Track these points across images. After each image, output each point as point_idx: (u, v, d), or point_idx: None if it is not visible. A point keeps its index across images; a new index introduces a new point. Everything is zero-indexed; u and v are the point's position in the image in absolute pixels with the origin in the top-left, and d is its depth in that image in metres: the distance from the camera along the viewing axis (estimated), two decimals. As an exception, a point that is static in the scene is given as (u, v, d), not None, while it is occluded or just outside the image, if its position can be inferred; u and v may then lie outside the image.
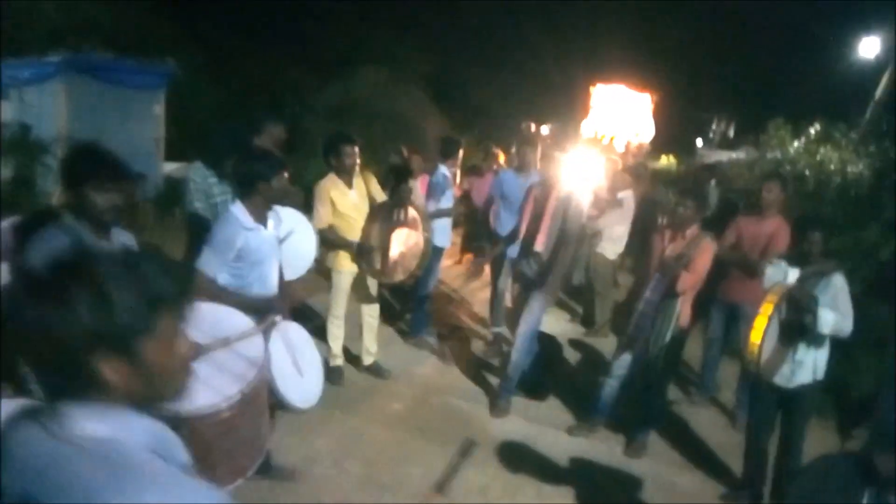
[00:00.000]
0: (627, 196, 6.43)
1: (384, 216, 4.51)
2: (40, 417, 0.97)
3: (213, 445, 2.24)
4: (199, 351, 2.26)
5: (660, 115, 18.99)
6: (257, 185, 2.98)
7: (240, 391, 2.28)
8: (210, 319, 2.52)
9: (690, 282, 4.01)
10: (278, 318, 2.95)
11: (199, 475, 2.25)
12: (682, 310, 4.16)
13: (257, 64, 15.00)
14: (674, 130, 22.66)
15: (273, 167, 3.03)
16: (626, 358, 4.32)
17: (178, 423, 2.02)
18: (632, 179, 6.60)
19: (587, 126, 15.82)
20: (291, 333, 3.09)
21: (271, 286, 3.17)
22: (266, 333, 2.74)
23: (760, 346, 3.39)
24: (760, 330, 3.39)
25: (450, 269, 8.21)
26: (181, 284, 1.10)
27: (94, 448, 0.93)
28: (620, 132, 15.18)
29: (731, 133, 27.35)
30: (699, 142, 28.91)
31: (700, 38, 22.23)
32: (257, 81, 14.48)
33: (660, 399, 4.46)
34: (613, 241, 6.37)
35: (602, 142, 13.20)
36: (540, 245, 4.40)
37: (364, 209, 4.54)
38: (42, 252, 2.22)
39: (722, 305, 4.98)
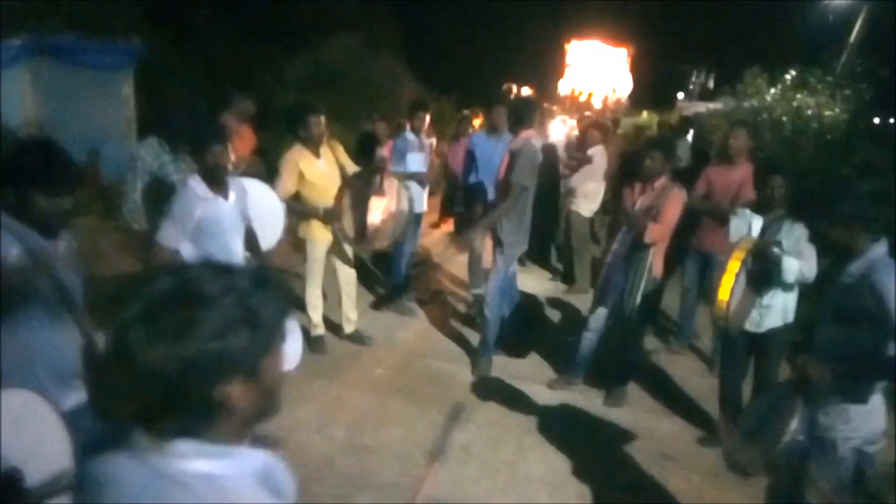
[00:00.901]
0: (598, 151, 6.44)
1: (359, 184, 4.52)
2: (140, 453, 0.93)
3: None
4: None
5: (638, 70, 18.89)
6: (207, 155, 2.97)
7: None
8: None
9: (659, 233, 4.05)
10: None
11: None
12: (655, 261, 4.22)
13: (227, 38, 14.74)
14: (653, 85, 22.55)
15: (219, 136, 3.02)
16: (602, 312, 4.39)
17: None
18: (601, 135, 6.59)
19: (564, 83, 15.74)
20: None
21: (235, 257, 3.18)
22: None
23: (728, 302, 3.45)
24: (728, 287, 3.45)
25: (429, 235, 8.23)
26: (284, 298, 1.07)
27: (201, 486, 0.91)
28: (597, 88, 15.11)
29: (711, 84, 27.28)
30: (680, 95, 28.88)
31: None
32: (228, 56, 14.25)
33: (636, 349, 4.55)
34: (587, 197, 6.41)
35: (579, 98, 13.12)
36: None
37: (334, 177, 4.54)
38: None
39: (696, 255, 5.04)
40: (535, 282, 6.78)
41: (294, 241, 4.79)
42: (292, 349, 3.21)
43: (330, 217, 4.46)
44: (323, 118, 4.42)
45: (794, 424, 2.28)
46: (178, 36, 13.96)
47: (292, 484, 1.07)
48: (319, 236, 4.56)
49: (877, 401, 2.36)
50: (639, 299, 4.22)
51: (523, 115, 4.54)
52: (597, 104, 13.65)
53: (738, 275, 3.43)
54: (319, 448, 3.68)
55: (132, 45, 10.12)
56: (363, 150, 4.93)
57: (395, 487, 3.38)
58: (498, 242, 4.61)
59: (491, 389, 4.50)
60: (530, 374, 4.78)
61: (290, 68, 15.24)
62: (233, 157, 3.17)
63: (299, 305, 4.73)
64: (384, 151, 5.36)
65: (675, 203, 4.12)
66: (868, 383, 2.33)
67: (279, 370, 1.03)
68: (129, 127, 10.23)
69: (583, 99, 13.02)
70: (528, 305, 6.06)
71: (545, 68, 18.62)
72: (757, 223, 3.64)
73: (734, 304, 3.51)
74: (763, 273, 3.54)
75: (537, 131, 6.95)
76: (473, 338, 5.26)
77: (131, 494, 0.91)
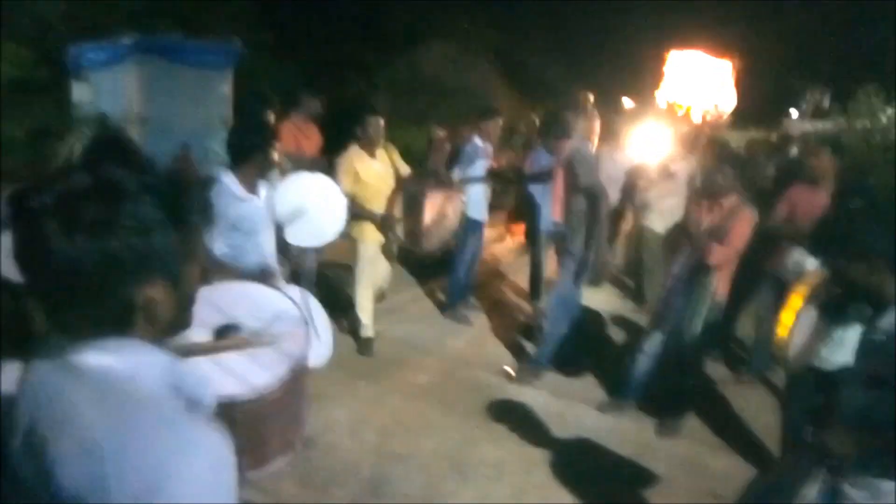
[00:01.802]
0: (681, 167, 6.10)
1: (412, 187, 4.52)
2: (54, 353, 0.91)
3: (254, 430, 2.29)
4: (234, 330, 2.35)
5: (745, 85, 17.92)
6: (250, 156, 3.00)
7: (290, 369, 2.31)
8: (248, 300, 2.56)
9: (724, 254, 3.76)
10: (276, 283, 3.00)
11: (251, 454, 2.33)
12: (719, 284, 3.93)
13: (324, 41, 15.19)
14: (762, 101, 21.34)
15: (266, 138, 3.04)
16: (659, 334, 4.13)
17: (234, 407, 2.12)
18: (685, 150, 6.24)
19: (661, 96, 15.15)
20: (298, 297, 3.12)
21: (267, 254, 3.20)
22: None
23: (789, 338, 3.14)
24: (787, 323, 3.14)
25: (499, 243, 8.11)
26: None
27: (99, 380, 0.87)
28: (697, 102, 14.43)
29: (826, 103, 25.55)
30: (793, 113, 27.21)
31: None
32: (324, 59, 14.68)
33: (694, 377, 4.25)
34: (663, 213, 6.07)
35: (676, 113, 12.57)
36: (556, 213, 4.27)
37: (388, 179, 4.58)
38: None
39: (772, 280, 4.65)
40: (603, 298, 6.50)
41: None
42: (323, 346, 3.21)
43: (387, 225, 4.51)
44: (381, 120, 4.46)
45: (813, 492, 1.97)
46: (279, 37, 14.55)
47: (208, 393, 1.02)
48: (371, 237, 4.58)
49: None
50: (699, 324, 3.94)
51: (553, 129, 4.45)
52: (696, 118, 13.03)
53: (803, 309, 3.11)
54: (347, 451, 3.64)
55: (233, 46, 10.58)
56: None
57: (413, 499, 3.28)
58: (565, 252, 4.45)
59: (535, 407, 4.32)
60: (581, 395, 4.56)
61: (384, 73, 15.53)
62: (275, 157, 3.18)
63: (343, 305, 4.75)
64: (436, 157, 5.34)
65: (743, 224, 3.82)
66: None
67: (197, 279, 1.00)
68: (225, 125, 10.71)
69: (681, 113, 12.44)
70: (590, 323, 5.84)
71: (645, 79, 18.05)
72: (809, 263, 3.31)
73: (799, 338, 3.19)
74: (836, 306, 3.20)
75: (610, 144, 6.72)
76: (529, 350, 5.11)
77: (32, 391, 0.89)
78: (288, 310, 2.54)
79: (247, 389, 2.21)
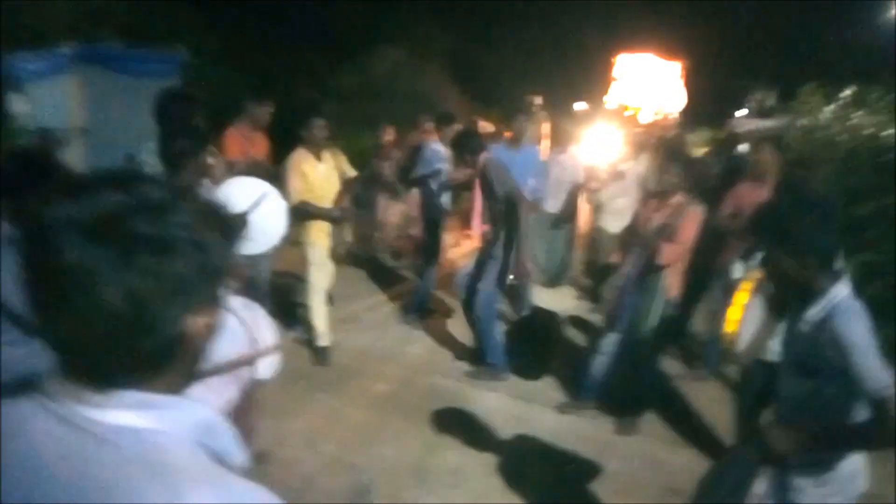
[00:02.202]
0: (630, 168, 6.20)
1: (357, 188, 4.55)
2: (50, 399, 0.79)
3: None
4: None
5: (695, 86, 18.35)
6: (179, 162, 2.92)
7: (241, 390, 2.21)
8: None
9: (674, 253, 3.82)
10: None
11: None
12: (669, 282, 3.99)
13: (273, 47, 15.02)
14: (711, 101, 21.87)
15: (190, 147, 2.96)
16: (614, 334, 4.17)
17: None
18: (634, 151, 6.36)
19: (611, 98, 15.39)
20: (242, 309, 3.04)
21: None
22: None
23: (737, 333, 3.20)
24: (734, 319, 3.19)
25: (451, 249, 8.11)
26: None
27: (129, 442, 0.76)
28: (647, 104, 14.70)
29: (772, 102, 26.38)
30: (739, 113, 27.99)
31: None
32: (273, 65, 14.51)
33: (650, 375, 4.29)
34: (616, 214, 6.16)
35: (624, 114, 12.78)
36: (475, 222, 4.41)
37: (334, 182, 4.59)
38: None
39: (723, 276, 4.75)
40: (559, 298, 6.55)
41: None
42: (272, 357, 3.13)
43: (344, 217, 4.57)
44: (325, 123, 4.47)
45: (762, 488, 1.99)
46: (227, 44, 14.31)
47: (240, 449, 0.92)
48: (319, 240, 4.55)
49: (856, 460, 2.04)
50: (653, 322, 4.00)
51: (467, 146, 4.66)
52: (646, 120, 13.27)
53: (749, 303, 3.18)
54: (306, 464, 3.57)
55: (177, 54, 10.36)
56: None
57: (375, 510, 3.24)
58: (487, 257, 4.59)
59: (494, 411, 4.31)
60: (540, 397, 4.57)
61: (335, 79, 15.43)
62: (209, 162, 3.09)
63: (298, 315, 4.67)
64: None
65: (691, 222, 3.88)
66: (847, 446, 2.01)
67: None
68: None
69: (628, 114, 12.67)
70: (548, 324, 5.87)
71: (597, 82, 18.32)
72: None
73: (747, 332, 3.26)
74: (781, 299, 3.27)
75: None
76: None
77: (33, 449, 0.76)
78: (233, 327, 2.46)
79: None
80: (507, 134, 7.94)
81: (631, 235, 4.00)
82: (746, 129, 14.16)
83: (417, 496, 3.39)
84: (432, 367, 4.95)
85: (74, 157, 9.08)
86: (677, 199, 3.98)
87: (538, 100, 8.85)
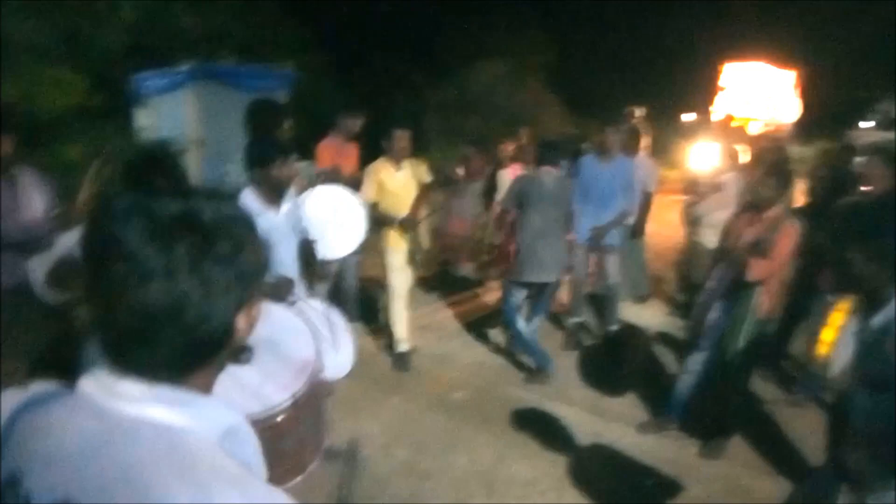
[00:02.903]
0: (730, 179, 5.92)
1: (434, 196, 4.66)
2: (83, 395, 0.82)
3: (270, 449, 2.28)
4: (247, 352, 2.33)
5: (812, 96, 17.32)
6: (261, 169, 3.06)
7: (291, 396, 2.27)
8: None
9: (765, 269, 3.60)
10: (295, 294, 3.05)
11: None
12: (763, 299, 3.77)
13: (377, 63, 15.51)
14: (828, 112, 20.56)
15: (272, 154, 3.09)
16: (700, 352, 3.99)
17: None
18: (734, 163, 6.07)
19: (717, 108, 14.76)
20: (312, 311, 3.16)
21: (285, 268, 3.23)
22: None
23: (830, 356, 2.98)
24: (828, 341, 2.98)
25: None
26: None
27: (153, 436, 0.77)
28: (756, 114, 13.97)
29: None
30: (870, 124, 26.04)
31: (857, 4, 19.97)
32: (376, 79, 14.98)
33: (739, 397, 4.06)
34: (713, 227, 5.87)
35: (731, 124, 12.22)
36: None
37: (411, 189, 4.70)
38: None
39: (824, 297, 4.43)
40: (650, 314, 6.34)
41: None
42: (342, 359, 3.22)
43: (407, 226, 4.59)
44: (407, 134, 4.60)
45: None
46: (335, 60, 14.93)
47: (258, 453, 0.97)
48: (396, 245, 4.67)
49: None
50: (742, 341, 3.79)
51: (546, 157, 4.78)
52: (755, 130, 12.61)
53: (845, 324, 2.95)
54: (378, 466, 3.64)
55: (287, 71, 10.91)
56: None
57: (441, 517, 3.26)
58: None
59: (571, 425, 4.22)
60: (621, 414, 4.43)
61: (435, 92, 15.70)
62: (290, 170, 3.21)
63: (380, 320, 4.77)
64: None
65: (787, 237, 3.65)
66: None
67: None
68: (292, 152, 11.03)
69: (734, 125, 12.09)
70: (634, 340, 5.71)
71: (703, 91, 17.65)
72: None
73: (843, 355, 3.03)
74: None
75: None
76: (572, 370, 5.04)
77: (65, 442, 0.78)
78: (299, 327, 2.55)
79: (260, 406, 2.22)
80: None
81: (721, 249, 3.82)
82: (866, 141, 13.26)
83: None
84: (512, 378, 4.91)
85: (191, 167, 9.79)
86: (773, 212, 3.77)
87: (639, 110, 8.64)
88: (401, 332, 4.77)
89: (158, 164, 2.68)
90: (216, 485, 0.76)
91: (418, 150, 13.16)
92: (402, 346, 4.79)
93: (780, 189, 3.80)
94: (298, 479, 2.31)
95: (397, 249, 4.69)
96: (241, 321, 0.85)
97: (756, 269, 3.59)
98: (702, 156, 7.93)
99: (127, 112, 10.43)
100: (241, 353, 2.37)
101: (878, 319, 1.88)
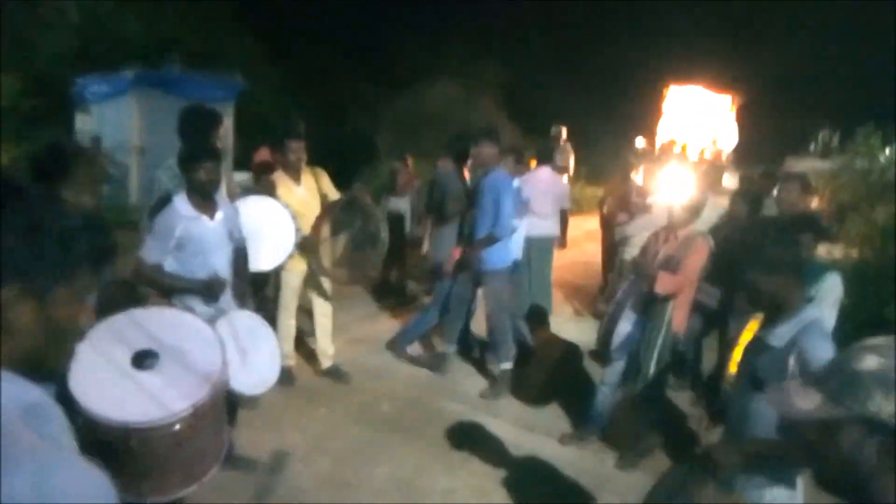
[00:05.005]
0: (658, 201, 6.14)
1: (337, 213, 4.48)
2: None
3: (167, 456, 2.25)
4: (151, 357, 2.29)
5: (750, 123, 17.98)
6: (191, 176, 3.08)
7: (191, 405, 2.25)
8: (171, 326, 2.49)
9: (673, 284, 3.77)
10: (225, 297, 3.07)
11: (152, 482, 2.30)
12: (675, 314, 3.93)
13: (332, 78, 15.54)
14: (765, 139, 21.32)
15: (199, 157, 3.11)
16: (618, 365, 4.13)
17: (127, 434, 2.12)
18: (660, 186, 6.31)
19: (661, 132, 15.22)
20: (240, 322, 3.17)
21: (217, 274, 3.24)
22: (211, 322, 2.82)
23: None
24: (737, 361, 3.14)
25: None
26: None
27: None
28: (695, 139, 14.44)
29: (836, 142, 25.48)
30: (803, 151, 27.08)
31: (796, 35, 20.92)
32: (331, 95, 14.99)
33: (654, 410, 4.21)
34: (639, 247, 6.10)
35: (673, 149, 12.62)
36: None
37: (314, 205, 4.47)
38: None
39: (739, 314, 4.64)
40: (578, 330, 6.49)
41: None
42: (264, 370, 3.24)
43: (305, 248, 4.33)
44: (302, 145, 4.41)
45: None
46: (286, 72, 14.89)
47: (65, 429, 0.98)
48: (293, 265, 4.42)
49: (798, 483, 2.01)
50: (656, 355, 3.93)
51: None
52: (695, 155, 13.05)
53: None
54: (299, 477, 3.64)
55: (234, 81, 10.88)
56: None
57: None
58: None
59: (494, 437, 4.30)
60: (544, 426, 4.53)
61: (390, 109, 15.81)
62: (215, 176, 3.21)
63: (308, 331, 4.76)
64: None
65: (697, 254, 3.83)
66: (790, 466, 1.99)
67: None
68: (225, 156, 10.95)
69: (677, 150, 12.48)
70: (566, 355, 5.84)
71: (648, 115, 18.18)
72: None
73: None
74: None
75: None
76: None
77: None
78: (208, 337, 2.54)
79: (160, 412, 2.22)
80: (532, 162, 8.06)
81: (633, 264, 3.98)
82: (801, 169, 13.82)
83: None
84: (442, 390, 4.96)
85: (132, 173, 9.65)
86: (686, 231, 3.95)
87: (564, 130, 9.05)
88: (287, 348, 4.56)
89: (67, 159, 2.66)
90: (9, 452, 0.79)
91: (370, 165, 13.21)
92: (287, 361, 4.47)
93: (693, 209, 3.98)
94: (193, 487, 2.30)
95: (293, 271, 4.50)
96: (18, 309, 0.90)
97: (665, 284, 3.74)
98: (639, 179, 8.21)
99: (67, 116, 10.23)
100: (144, 359, 2.37)
101: (785, 330, 2.02)
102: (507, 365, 5.00)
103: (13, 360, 0.92)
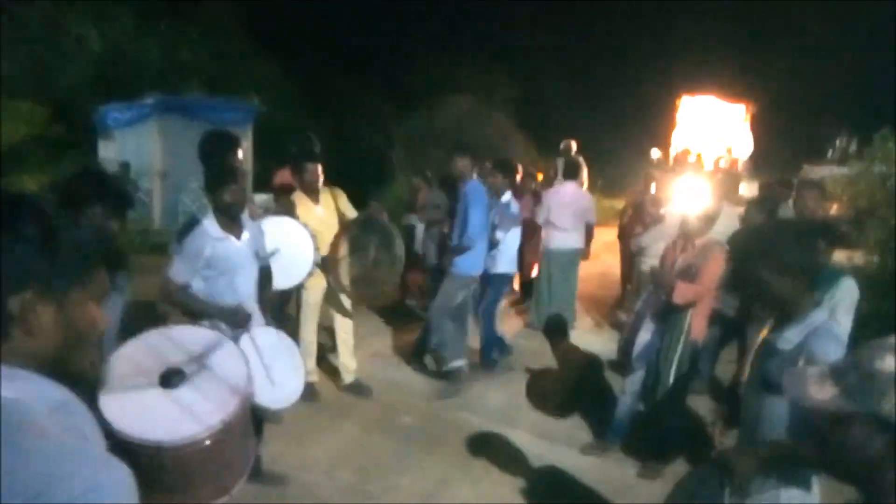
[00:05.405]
0: (671, 211, 6.17)
1: (356, 231, 4.57)
2: None
3: (196, 470, 2.31)
4: (178, 375, 2.34)
5: (766, 131, 17.92)
6: (216, 196, 3.18)
7: (221, 420, 2.30)
8: (178, 341, 2.54)
9: (691, 293, 3.80)
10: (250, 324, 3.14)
11: (183, 497, 2.37)
12: (694, 322, 3.95)
13: (345, 97, 15.75)
14: (783, 146, 21.22)
15: (223, 179, 3.20)
16: (638, 374, 4.16)
17: (161, 452, 2.18)
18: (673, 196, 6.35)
19: (675, 142, 15.23)
20: (264, 338, 3.24)
21: (243, 294, 3.32)
22: (235, 340, 2.90)
23: None
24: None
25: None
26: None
27: None
28: (710, 148, 14.43)
29: (853, 148, 25.29)
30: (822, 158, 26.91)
31: (809, 41, 20.86)
32: (345, 113, 15.19)
33: (675, 419, 4.22)
34: (656, 257, 6.12)
35: (688, 159, 12.61)
36: None
37: (332, 224, 4.59)
38: None
39: (756, 322, 4.65)
40: (599, 341, 6.51)
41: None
42: (289, 386, 3.31)
43: (324, 266, 4.44)
44: (319, 166, 4.55)
45: None
46: (302, 93, 15.12)
47: (93, 425, 1.02)
48: (312, 283, 4.52)
49: (813, 485, 2.04)
50: (676, 364, 3.96)
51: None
52: (710, 165, 13.03)
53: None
54: (322, 490, 3.70)
55: (251, 104, 11.09)
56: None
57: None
58: None
59: (516, 448, 4.34)
60: (564, 437, 4.55)
61: (403, 126, 15.96)
62: (240, 197, 3.31)
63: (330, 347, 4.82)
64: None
65: (715, 263, 3.86)
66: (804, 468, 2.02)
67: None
68: (244, 178, 11.14)
69: (692, 160, 12.49)
70: (586, 366, 5.87)
71: (663, 126, 18.20)
72: None
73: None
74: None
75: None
76: (519, 394, 5.21)
77: None
78: (230, 349, 2.62)
79: (197, 428, 2.28)
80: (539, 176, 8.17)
81: (652, 274, 4.02)
82: (819, 175, 13.74)
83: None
84: (461, 403, 5.01)
85: (154, 198, 9.84)
86: (703, 240, 3.99)
87: (573, 144, 9.13)
88: (309, 364, 4.64)
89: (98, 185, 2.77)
90: (41, 450, 0.84)
91: (384, 182, 13.31)
92: (310, 377, 4.50)
93: (708, 219, 4.02)
94: (224, 499, 2.37)
95: (313, 288, 4.63)
96: (29, 301, 0.94)
97: (683, 293, 3.78)
98: (655, 190, 8.24)
99: (90, 143, 10.48)
100: (172, 377, 2.44)
101: (793, 334, 2.03)
102: (458, 363, 5.22)
103: (36, 361, 0.96)
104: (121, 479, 0.90)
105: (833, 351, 1.89)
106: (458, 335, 5.33)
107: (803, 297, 2.05)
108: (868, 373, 1.23)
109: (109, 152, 10.04)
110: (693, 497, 2.10)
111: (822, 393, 1.30)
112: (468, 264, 5.11)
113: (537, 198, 7.68)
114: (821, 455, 1.83)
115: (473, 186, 5.10)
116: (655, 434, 4.25)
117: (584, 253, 6.92)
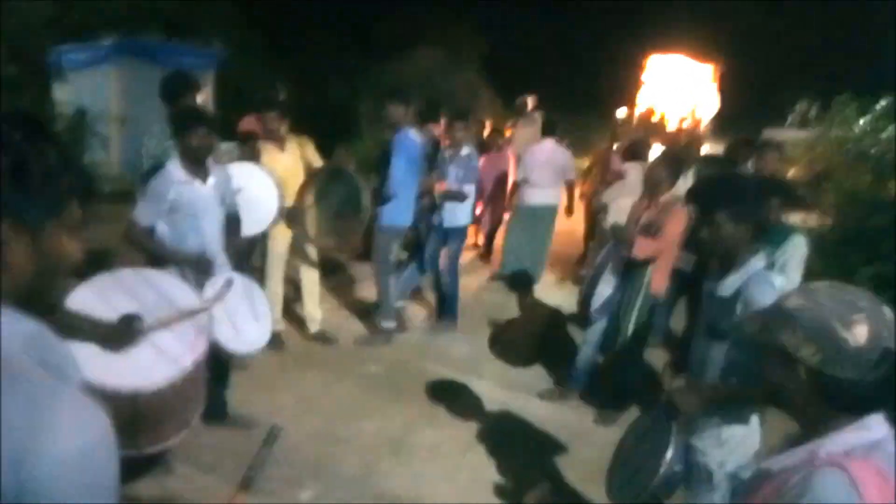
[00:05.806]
0: (633, 167, 6.27)
1: (321, 180, 4.55)
2: None
3: (165, 407, 2.37)
4: (156, 323, 2.35)
5: (731, 93, 18.12)
6: (180, 140, 3.14)
7: (193, 361, 2.39)
8: (157, 289, 2.58)
9: (651, 248, 3.91)
10: (231, 276, 3.14)
11: (148, 435, 2.39)
12: (655, 278, 4.08)
13: (311, 46, 15.38)
14: (747, 108, 21.49)
15: (187, 124, 3.16)
16: (599, 325, 4.29)
17: (137, 397, 2.19)
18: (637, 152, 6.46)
19: (641, 101, 15.31)
20: (240, 284, 3.26)
21: (208, 239, 3.30)
22: (224, 291, 2.93)
23: None
24: None
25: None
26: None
27: None
28: (676, 108, 14.53)
29: (814, 113, 25.77)
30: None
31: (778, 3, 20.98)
32: (309, 63, 14.86)
33: (633, 368, 4.38)
34: (619, 213, 6.22)
35: (652, 118, 12.72)
36: None
37: (298, 173, 4.56)
38: None
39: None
40: (562, 295, 6.66)
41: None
42: (257, 332, 3.34)
43: (291, 218, 4.43)
44: (280, 114, 4.49)
45: (671, 453, 2.11)
46: (266, 40, 14.70)
47: (68, 354, 1.01)
48: (278, 233, 4.53)
49: (753, 421, 2.20)
50: (635, 317, 4.10)
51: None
52: (673, 125, 13.17)
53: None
54: (289, 434, 3.71)
55: (214, 49, 10.77)
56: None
57: (347, 479, 3.43)
58: None
59: (479, 395, 4.47)
60: (527, 385, 4.70)
61: (370, 78, 15.69)
62: (204, 139, 3.25)
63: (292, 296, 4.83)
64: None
65: (676, 220, 3.97)
66: (743, 405, 2.17)
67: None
68: (214, 123, 10.87)
69: (655, 119, 12.58)
70: (551, 319, 6.01)
71: (630, 84, 18.25)
72: None
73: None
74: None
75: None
76: (484, 346, 5.34)
77: None
78: (190, 291, 2.66)
79: (177, 370, 2.32)
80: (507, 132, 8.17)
81: (613, 229, 4.12)
82: (780, 138, 13.96)
83: (392, 468, 3.57)
84: (429, 353, 5.11)
85: (112, 142, 9.57)
86: (665, 197, 4.08)
87: (530, 100, 9.09)
88: (274, 313, 4.54)
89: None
90: (12, 389, 0.82)
91: (352, 134, 13.14)
92: (276, 326, 4.40)
93: (672, 176, 4.12)
94: (184, 432, 2.44)
95: (278, 238, 4.62)
96: (10, 242, 0.92)
97: (643, 248, 3.89)
98: (617, 148, 8.32)
99: (45, 85, 10.07)
100: (128, 320, 2.36)
101: (734, 279, 2.16)
102: (389, 324, 5.22)
103: (10, 295, 0.94)
104: (94, 419, 0.88)
105: (768, 295, 2.00)
106: (392, 293, 5.29)
107: (744, 245, 2.18)
108: (782, 310, 1.32)
109: (64, 95, 9.67)
110: (644, 436, 2.23)
111: (752, 326, 1.40)
112: (393, 215, 4.98)
113: (501, 152, 7.75)
114: (757, 392, 1.99)
115: (402, 135, 4.96)
116: (612, 383, 4.41)
117: (567, 210, 7.02)
